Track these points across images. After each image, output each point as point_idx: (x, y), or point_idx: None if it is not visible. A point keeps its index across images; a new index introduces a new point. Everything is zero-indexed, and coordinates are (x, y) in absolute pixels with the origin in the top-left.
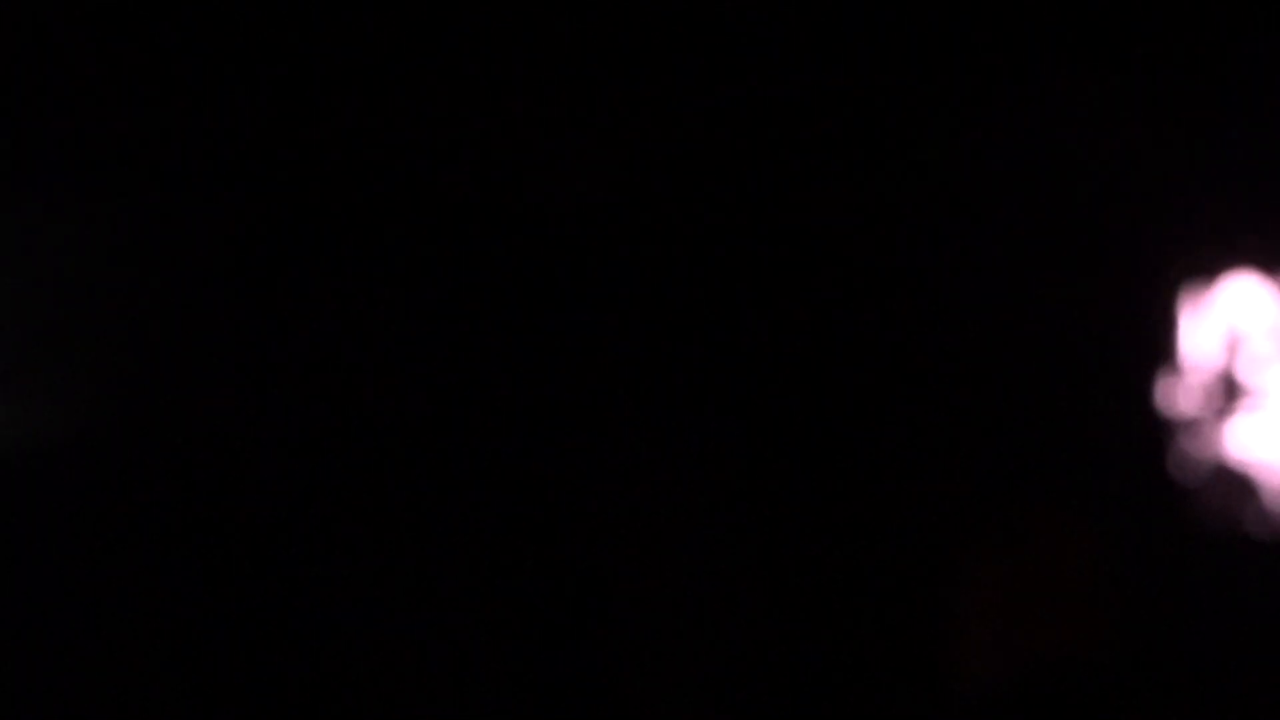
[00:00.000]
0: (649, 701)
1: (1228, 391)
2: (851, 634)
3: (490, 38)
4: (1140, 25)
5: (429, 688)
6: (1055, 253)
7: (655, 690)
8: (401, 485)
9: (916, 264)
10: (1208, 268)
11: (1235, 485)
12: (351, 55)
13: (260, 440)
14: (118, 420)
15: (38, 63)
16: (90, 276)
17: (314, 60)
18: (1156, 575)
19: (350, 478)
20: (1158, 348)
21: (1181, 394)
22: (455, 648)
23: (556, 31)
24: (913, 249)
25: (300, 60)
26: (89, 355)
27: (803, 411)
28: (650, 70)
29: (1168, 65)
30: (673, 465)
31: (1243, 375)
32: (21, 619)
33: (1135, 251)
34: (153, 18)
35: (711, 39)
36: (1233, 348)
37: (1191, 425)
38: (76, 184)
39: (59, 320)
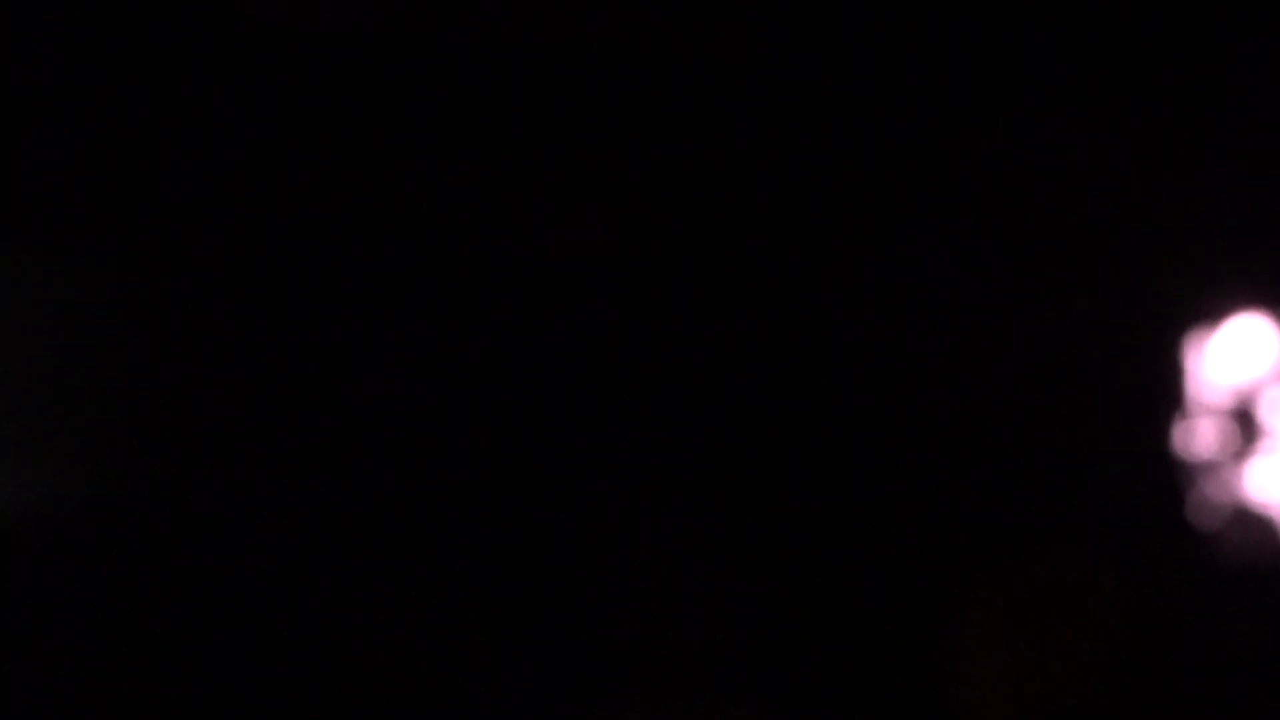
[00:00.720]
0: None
1: (1245, 433)
2: (859, 675)
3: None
4: (1149, 69)
5: (433, 689)
6: (1072, 291)
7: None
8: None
9: (934, 298)
10: (1225, 308)
11: (1253, 527)
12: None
13: (269, 504)
14: (123, 483)
15: (39, 119)
16: (95, 334)
17: (322, 120)
18: (1173, 618)
19: (364, 527)
20: (1174, 389)
21: (1198, 436)
22: (458, 650)
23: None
24: (929, 284)
25: (311, 121)
26: (94, 416)
27: (812, 447)
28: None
29: (1179, 104)
30: (675, 493)
31: (1260, 417)
32: (35, 677)
33: (1153, 291)
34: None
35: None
36: (1250, 390)
37: (1208, 468)
38: (82, 241)
39: (64, 379)
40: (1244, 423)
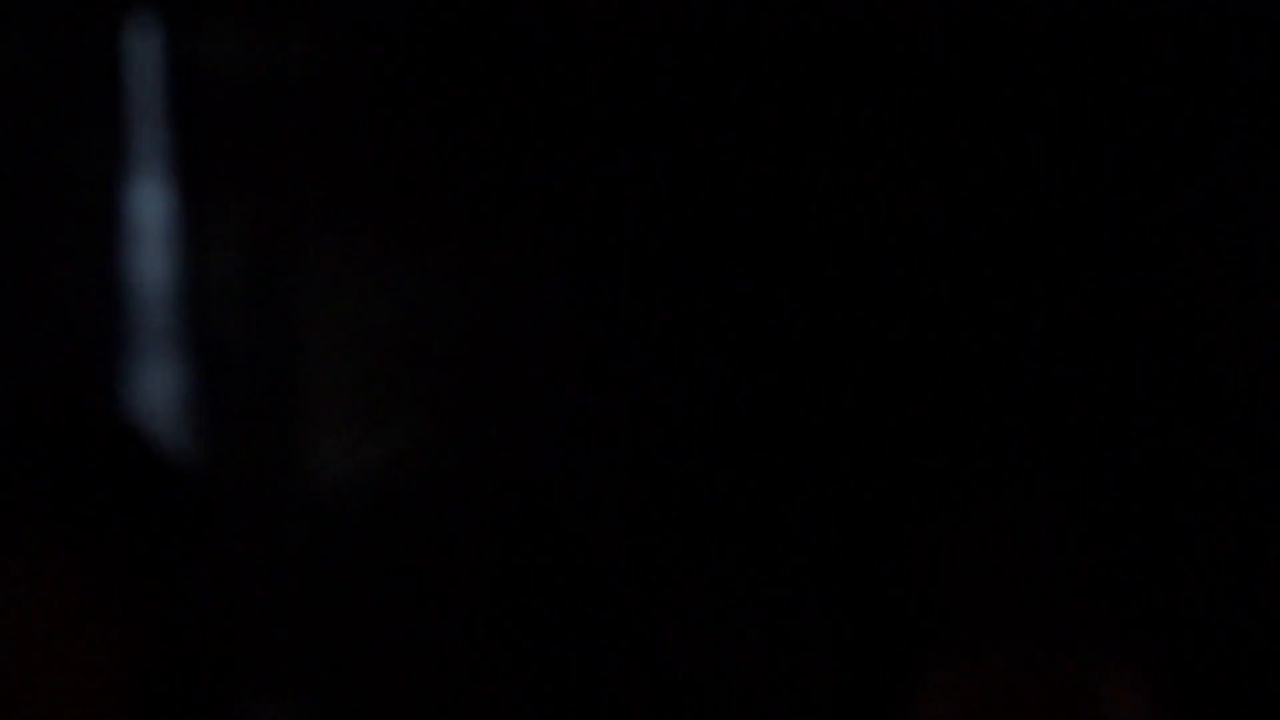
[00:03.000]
0: None
1: None
2: None
3: None
4: None
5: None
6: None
7: None
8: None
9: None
10: None
11: None
12: None
13: (587, 471)
14: (444, 452)
15: (376, 100)
16: (417, 306)
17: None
18: None
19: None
20: None
21: None
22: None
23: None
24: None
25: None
26: (417, 386)
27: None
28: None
29: None
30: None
31: None
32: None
33: None
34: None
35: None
36: None
37: None
38: (405, 214)
39: (387, 351)
40: None
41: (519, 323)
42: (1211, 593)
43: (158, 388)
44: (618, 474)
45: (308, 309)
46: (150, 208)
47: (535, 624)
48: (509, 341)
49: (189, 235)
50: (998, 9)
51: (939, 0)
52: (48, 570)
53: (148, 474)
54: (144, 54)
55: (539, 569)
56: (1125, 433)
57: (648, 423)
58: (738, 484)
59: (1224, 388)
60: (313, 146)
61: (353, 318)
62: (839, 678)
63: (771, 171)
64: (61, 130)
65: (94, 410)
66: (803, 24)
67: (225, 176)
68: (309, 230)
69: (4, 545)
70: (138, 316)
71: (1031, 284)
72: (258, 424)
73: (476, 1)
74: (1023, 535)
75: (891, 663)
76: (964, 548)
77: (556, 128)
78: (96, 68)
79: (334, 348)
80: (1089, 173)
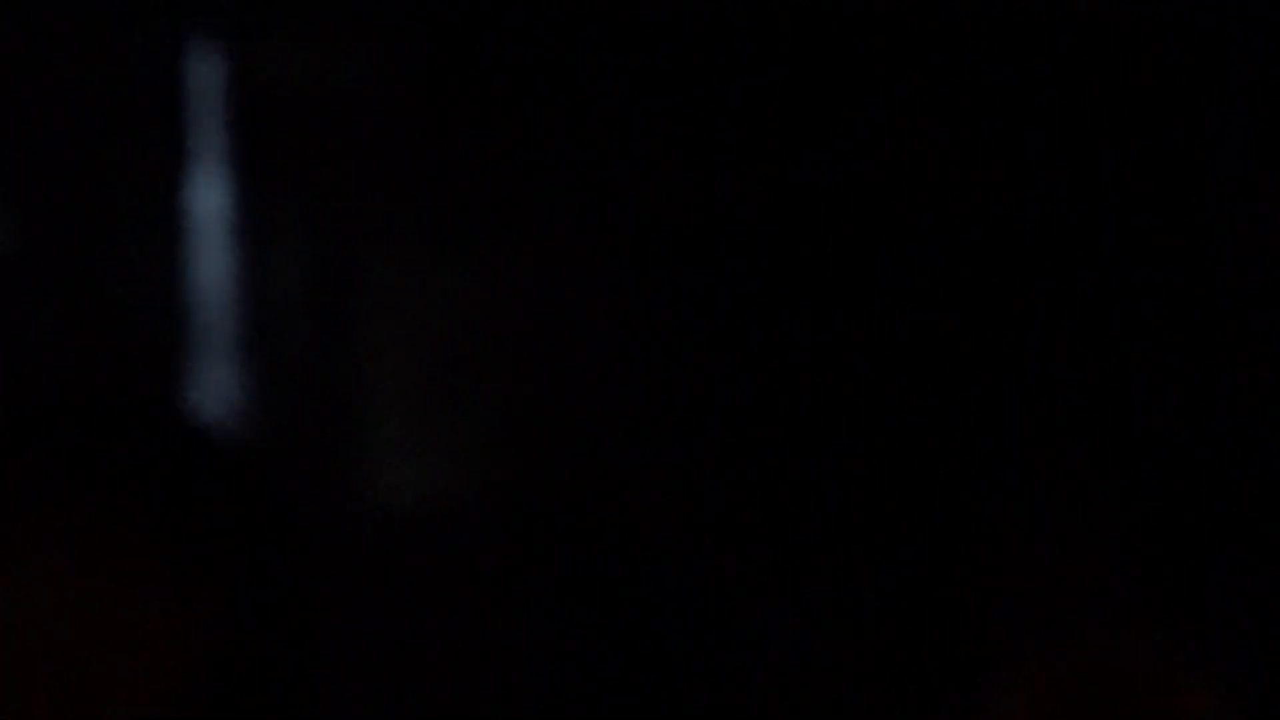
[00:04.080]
0: None
1: None
2: None
3: None
4: None
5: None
6: None
7: None
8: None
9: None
10: None
11: None
12: None
13: (647, 502)
14: (511, 478)
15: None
16: (481, 333)
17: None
18: None
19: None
20: None
21: None
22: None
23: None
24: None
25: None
26: (483, 412)
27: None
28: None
29: None
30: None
31: None
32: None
33: None
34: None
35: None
36: None
37: None
38: (467, 227)
39: (452, 377)
40: None
41: (585, 340)
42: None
43: (217, 397)
44: (680, 496)
45: (370, 322)
46: (211, 219)
47: (585, 640)
48: (575, 359)
49: (249, 246)
50: (998, 10)
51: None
52: (111, 562)
53: (212, 469)
54: (206, 70)
55: (594, 586)
56: (1190, 441)
57: (709, 446)
58: (797, 494)
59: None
60: (373, 162)
61: (414, 332)
62: (902, 684)
63: (818, 201)
64: (127, 143)
65: (159, 412)
66: (804, 25)
67: (286, 186)
68: (371, 246)
69: (69, 543)
70: (198, 328)
71: (1084, 290)
72: (319, 436)
73: (532, 16)
74: (1088, 539)
75: (957, 669)
76: (1031, 550)
77: (621, 144)
78: (160, 83)
79: (396, 362)
80: (1090, 174)
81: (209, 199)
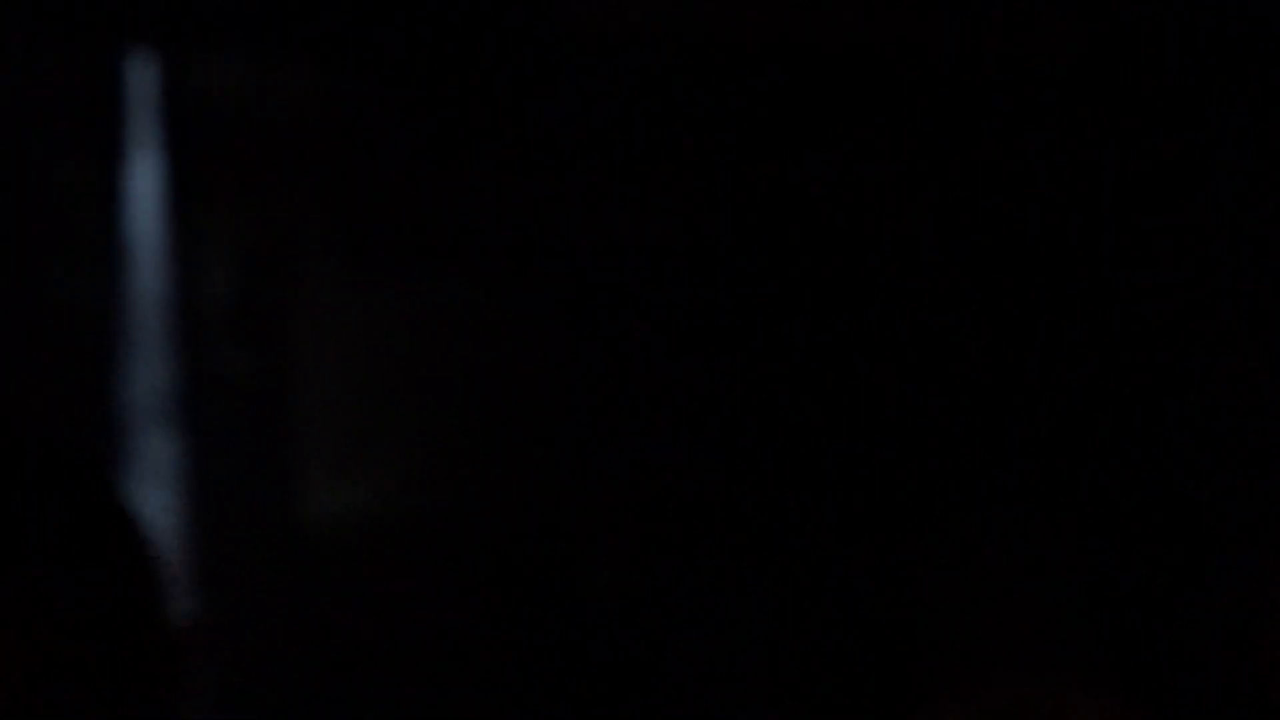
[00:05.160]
0: None
1: None
2: None
3: None
4: None
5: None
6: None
7: None
8: None
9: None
10: None
11: None
12: None
13: (598, 512)
14: (457, 496)
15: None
16: (427, 350)
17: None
18: None
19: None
20: None
21: None
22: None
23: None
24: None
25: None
26: (428, 430)
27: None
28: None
29: None
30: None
31: None
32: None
33: None
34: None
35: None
36: None
37: None
38: (410, 258)
39: (398, 396)
40: None
41: (514, 356)
42: (1201, 626)
43: (146, 414)
44: (612, 509)
45: (300, 339)
46: (145, 235)
47: (528, 658)
48: (504, 374)
49: (183, 263)
50: (999, 13)
51: (942, 6)
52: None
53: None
54: (142, 83)
55: (531, 603)
56: (1122, 470)
57: (642, 458)
58: (739, 511)
59: (1223, 422)
60: (308, 176)
61: (346, 348)
62: (842, 705)
63: (799, 198)
64: (60, 157)
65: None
66: (805, 32)
67: (220, 203)
68: (303, 261)
69: None
70: (130, 343)
71: (1056, 305)
72: (249, 455)
73: (472, 32)
74: (1020, 567)
75: (893, 691)
76: (963, 578)
77: (552, 160)
78: (95, 96)
79: (327, 379)
80: (1091, 177)
81: (142, 211)
